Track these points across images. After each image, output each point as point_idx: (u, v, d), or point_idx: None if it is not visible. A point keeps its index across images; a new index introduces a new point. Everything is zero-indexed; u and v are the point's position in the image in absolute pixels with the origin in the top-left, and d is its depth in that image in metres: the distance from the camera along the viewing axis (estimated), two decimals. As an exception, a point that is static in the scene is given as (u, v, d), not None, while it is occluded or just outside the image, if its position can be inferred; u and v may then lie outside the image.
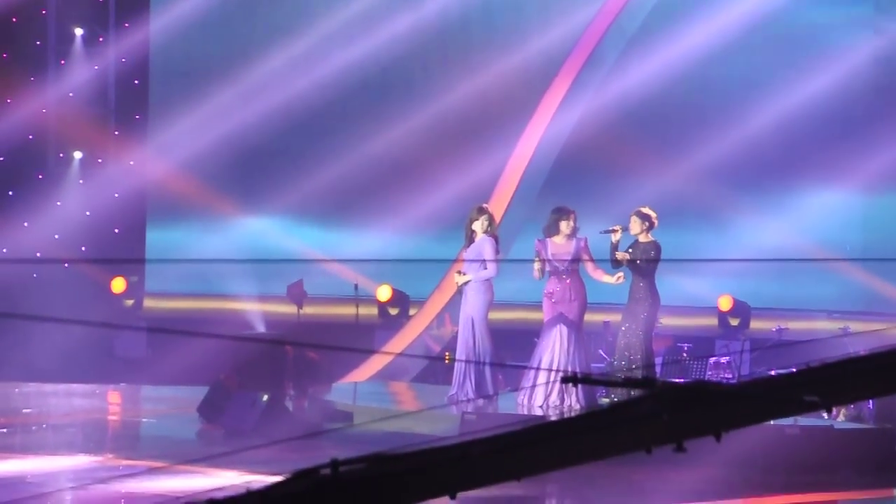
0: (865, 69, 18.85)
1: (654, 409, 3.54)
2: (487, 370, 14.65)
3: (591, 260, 14.33)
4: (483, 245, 14.58)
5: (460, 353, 14.82)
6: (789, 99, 18.70)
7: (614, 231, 14.18)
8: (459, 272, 14.82)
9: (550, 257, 14.31)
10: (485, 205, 15.15)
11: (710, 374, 16.11)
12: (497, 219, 15.19)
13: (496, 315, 15.06)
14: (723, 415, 3.57)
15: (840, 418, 14.60)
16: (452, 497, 3.55)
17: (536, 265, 14.33)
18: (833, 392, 3.66)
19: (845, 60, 18.76)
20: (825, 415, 13.72)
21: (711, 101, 19.41)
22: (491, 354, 14.67)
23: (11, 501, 10.26)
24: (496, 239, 14.75)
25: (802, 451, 12.89)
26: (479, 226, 14.64)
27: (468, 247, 14.71)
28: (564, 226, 14.42)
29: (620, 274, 14.15)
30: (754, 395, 3.58)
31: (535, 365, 14.37)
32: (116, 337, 20.00)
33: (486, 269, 14.56)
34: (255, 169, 20.17)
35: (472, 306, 14.67)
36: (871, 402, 14.27)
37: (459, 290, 14.88)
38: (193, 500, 3.39)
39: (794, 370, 3.76)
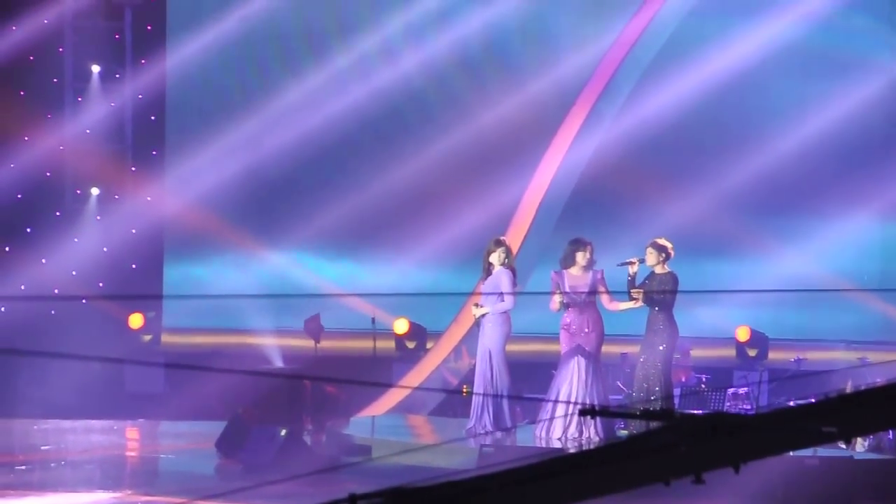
0: (883, 97, 18.83)
1: (672, 441, 3.53)
2: (505, 403, 14.63)
3: (607, 292, 14.33)
4: (500, 277, 14.59)
5: (478, 386, 14.80)
6: (806, 128, 18.69)
7: (631, 263, 14.19)
8: (477, 304, 14.82)
9: (568, 289, 14.31)
10: (502, 237, 15.18)
11: (728, 405, 16.06)
12: (514, 251, 15.20)
13: (513, 347, 15.04)
14: (741, 446, 3.56)
15: (859, 448, 14.54)
16: (470, 531, 3.54)
17: (557, 297, 14.32)
18: (851, 423, 3.65)
19: (862, 89, 18.76)
20: (844, 445, 13.66)
21: (728, 130, 19.40)
22: (508, 387, 14.65)
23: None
24: (513, 271, 14.76)
25: (822, 483, 12.83)
26: (496, 258, 14.65)
27: (485, 279, 14.72)
28: (581, 257, 14.42)
29: (637, 298, 14.13)
30: (772, 426, 3.57)
31: (553, 397, 14.35)
32: (130, 372, 19.98)
33: (503, 301, 14.56)
34: (272, 203, 20.19)
35: (489, 339, 14.66)
36: (891, 432, 14.22)
37: (477, 323, 14.88)
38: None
39: (813, 401, 3.75)
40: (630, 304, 14.26)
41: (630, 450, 3.57)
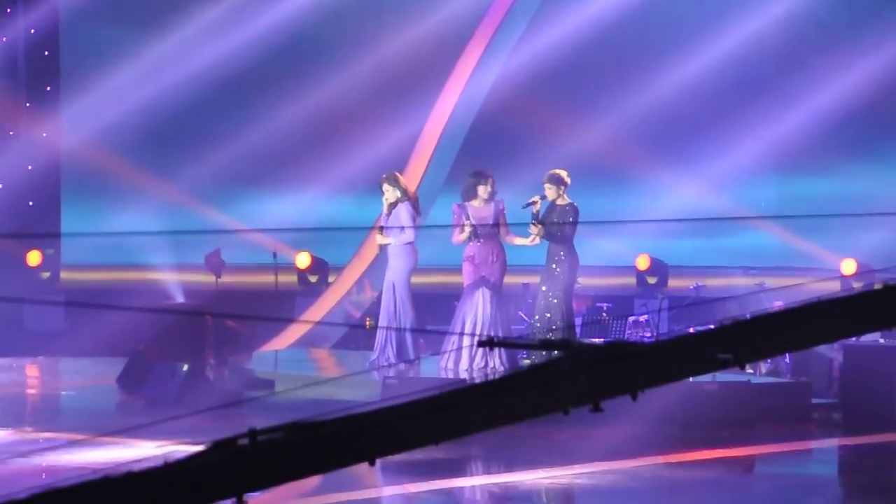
0: (776, 27, 18.96)
1: (571, 370, 3.56)
2: (408, 335, 14.69)
3: (505, 224, 14.41)
4: (400, 211, 14.66)
5: (382, 319, 14.85)
6: (702, 58, 18.80)
7: (534, 203, 14.24)
8: (381, 232, 14.87)
9: (475, 221, 14.36)
10: (389, 173, 15.10)
11: (629, 333, 16.22)
12: (415, 183, 15.23)
13: (415, 279, 15.08)
14: (638, 374, 3.60)
15: (762, 373, 14.79)
16: (372, 463, 3.56)
17: (468, 229, 14.34)
18: (746, 348, 3.70)
19: (756, 19, 18.88)
20: (749, 370, 13.90)
21: (625, 62, 19.46)
22: (412, 319, 14.71)
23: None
24: (414, 202, 14.81)
25: (721, 407, 13.04)
26: (390, 194, 14.72)
27: (388, 214, 14.75)
28: (482, 190, 14.47)
29: (534, 235, 14.22)
30: (668, 354, 3.61)
31: (457, 328, 14.42)
32: (29, 310, 19.78)
33: (404, 234, 14.63)
34: (169, 138, 20.00)
35: (394, 271, 14.73)
36: (787, 356, 14.46)
37: (381, 255, 14.92)
38: (111, 473, 3.37)
39: (711, 327, 3.79)
40: (526, 241, 14.34)
41: (529, 380, 3.60)
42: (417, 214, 14.85)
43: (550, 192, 14.32)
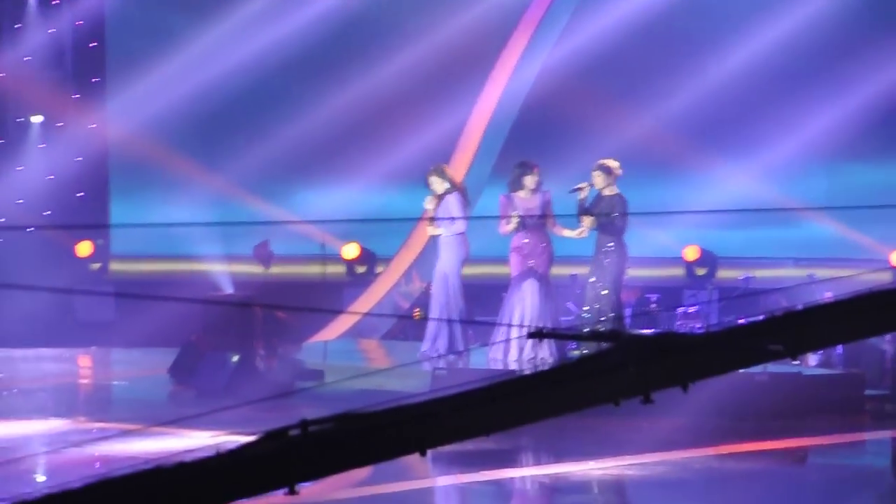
0: (826, 13, 18.83)
1: (621, 362, 3.55)
2: (458, 326, 14.69)
3: (552, 215, 14.38)
4: (449, 202, 14.66)
5: (434, 310, 14.86)
6: (750, 47, 18.70)
7: (580, 189, 14.20)
8: (431, 223, 14.88)
9: (522, 212, 14.35)
10: (437, 165, 15.11)
11: (678, 325, 16.18)
12: (461, 175, 15.22)
13: (463, 270, 15.07)
14: (688, 365, 3.59)
15: (811, 364, 14.72)
16: (423, 454, 3.56)
17: (514, 220, 14.34)
18: (797, 340, 3.68)
19: (806, 5, 18.75)
20: (794, 361, 13.83)
21: (673, 52, 19.37)
22: (463, 310, 14.72)
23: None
24: (462, 192, 14.81)
25: (772, 398, 12.98)
26: (438, 186, 14.72)
27: (437, 205, 14.74)
28: (529, 180, 14.44)
29: (583, 228, 14.18)
30: (718, 345, 3.60)
31: (505, 320, 14.41)
32: (80, 301, 19.91)
33: (454, 224, 14.63)
34: (217, 129, 20.06)
35: (446, 262, 14.73)
36: (839, 347, 14.38)
37: (429, 246, 14.93)
38: (164, 463, 3.39)
39: (761, 318, 3.77)
40: (573, 234, 14.31)
41: (579, 372, 3.59)
42: (467, 204, 14.85)
43: (598, 180, 14.27)
